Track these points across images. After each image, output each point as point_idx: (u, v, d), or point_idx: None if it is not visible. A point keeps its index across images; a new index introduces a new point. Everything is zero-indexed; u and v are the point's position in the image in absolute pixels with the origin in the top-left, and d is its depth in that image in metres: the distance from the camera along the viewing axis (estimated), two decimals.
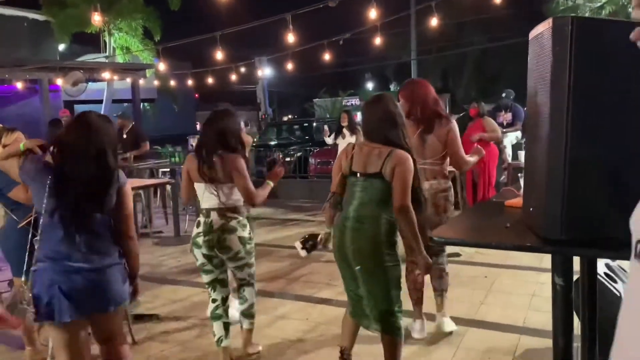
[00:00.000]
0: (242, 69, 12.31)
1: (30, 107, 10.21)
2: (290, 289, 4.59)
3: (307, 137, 13.25)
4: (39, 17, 14.46)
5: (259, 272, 4.67)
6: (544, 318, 3.44)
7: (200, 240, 2.95)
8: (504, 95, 8.31)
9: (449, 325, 3.47)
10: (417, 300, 3.47)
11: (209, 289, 3.14)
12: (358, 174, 2.58)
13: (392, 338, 2.60)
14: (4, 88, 10.15)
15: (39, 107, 9.83)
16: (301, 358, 3.27)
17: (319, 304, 4.14)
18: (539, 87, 1.54)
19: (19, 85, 9.68)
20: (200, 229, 2.96)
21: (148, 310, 4.23)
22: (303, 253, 2.83)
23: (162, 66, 10.37)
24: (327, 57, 8.61)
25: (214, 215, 2.95)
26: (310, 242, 2.83)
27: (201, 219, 2.99)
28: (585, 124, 1.39)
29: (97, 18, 6.82)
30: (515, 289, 4.25)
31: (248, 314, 3.20)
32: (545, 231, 1.50)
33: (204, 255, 2.98)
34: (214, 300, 3.12)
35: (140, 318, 4.02)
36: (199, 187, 2.99)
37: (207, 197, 2.96)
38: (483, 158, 6.39)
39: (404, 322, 2.68)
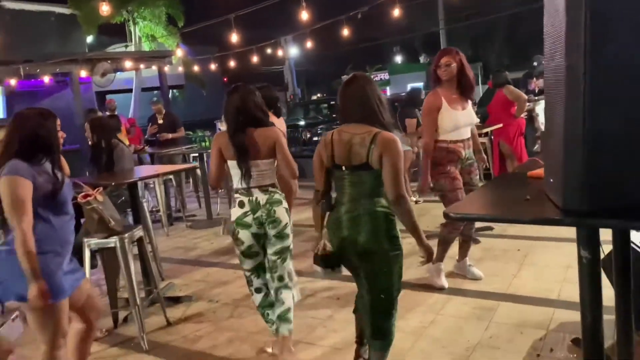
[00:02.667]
0: (268, 50, 12.25)
1: (63, 100, 10.46)
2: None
3: (334, 116, 13.19)
4: (66, 10, 14.71)
5: None
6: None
7: (249, 219, 2.84)
8: (535, 63, 8.01)
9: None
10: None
11: (252, 276, 3.00)
12: (343, 168, 2.37)
13: (382, 345, 2.48)
14: (36, 82, 10.42)
15: (71, 100, 10.07)
16: (330, 336, 3.29)
17: (349, 282, 4.13)
18: (555, 51, 1.45)
19: (48, 79, 9.92)
20: (247, 208, 2.85)
21: (183, 292, 4.34)
22: (321, 272, 2.50)
23: (179, 52, 10.43)
24: (352, 32, 8.46)
25: (257, 192, 2.87)
26: (325, 258, 2.48)
27: (243, 198, 2.87)
28: (603, 85, 1.31)
29: (105, 8, 6.86)
30: (549, 261, 4.15)
31: (285, 318, 2.94)
32: (564, 202, 1.43)
33: (253, 235, 2.88)
34: (258, 290, 3.01)
35: (174, 300, 4.13)
36: (234, 166, 2.88)
37: (243, 176, 2.85)
38: (509, 128, 6.22)
39: None
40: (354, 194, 2.38)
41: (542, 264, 4.14)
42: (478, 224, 4.32)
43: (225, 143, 2.88)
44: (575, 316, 3.07)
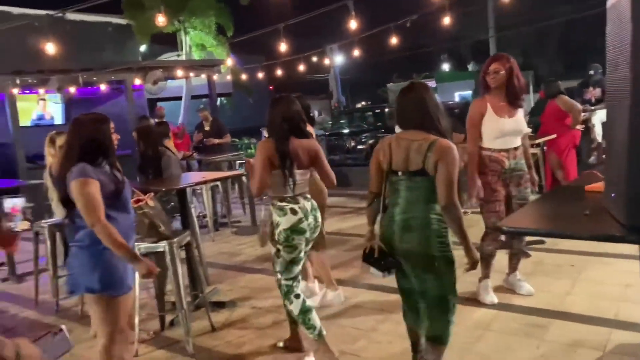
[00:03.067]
0: (314, 58, 12.36)
1: (117, 106, 10.90)
2: (364, 278, 4.56)
3: (379, 124, 13.12)
4: (122, 21, 15.35)
5: (334, 262, 4.71)
6: (639, 311, 3.17)
7: (304, 225, 2.96)
8: (591, 71, 7.70)
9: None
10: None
11: (294, 283, 3.05)
12: (399, 173, 2.43)
13: (440, 347, 2.50)
14: (93, 90, 10.90)
15: (125, 106, 10.47)
16: (373, 347, 3.24)
17: (393, 294, 4.07)
18: (619, 60, 1.38)
19: (104, 86, 10.36)
20: (300, 214, 2.95)
21: (226, 297, 4.39)
22: (379, 274, 2.48)
23: (229, 61, 10.64)
24: (399, 40, 8.41)
25: (302, 200, 3.00)
26: (377, 258, 2.50)
27: (293, 205, 2.96)
28: None
29: (161, 19, 7.11)
30: (606, 278, 3.94)
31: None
32: (627, 217, 1.36)
33: (306, 241, 3.02)
34: (298, 296, 3.05)
35: (218, 305, 4.19)
36: (280, 175, 2.94)
37: (289, 185, 2.96)
38: (561, 139, 6.00)
39: None
40: (410, 199, 2.43)
41: (598, 280, 3.94)
42: (529, 237, 4.16)
43: (272, 151, 2.94)
44: (634, 338, 2.93)
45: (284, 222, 2.95)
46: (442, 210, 2.36)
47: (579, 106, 6.08)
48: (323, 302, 3.95)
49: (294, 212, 2.95)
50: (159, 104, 11.78)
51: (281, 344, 3.37)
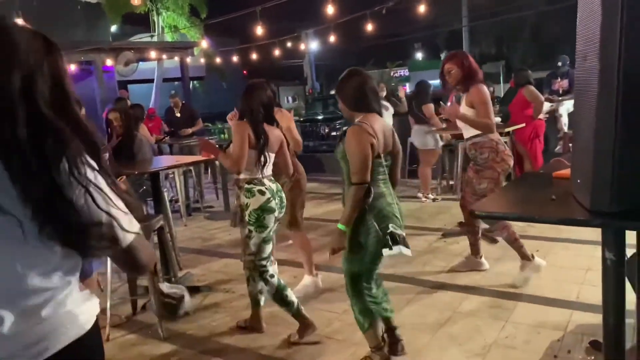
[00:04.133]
0: (288, 44, 12.26)
1: (86, 88, 10.61)
2: (337, 262, 4.61)
3: None
4: None
5: None
6: (598, 293, 3.28)
7: (273, 204, 3.10)
8: (559, 63, 7.89)
9: None
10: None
11: (268, 263, 3.18)
12: (382, 156, 2.59)
13: None
14: None
15: (95, 88, 10.22)
16: (347, 330, 3.31)
17: None
18: (588, 51, 1.44)
19: (73, 67, 10.07)
20: (268, 194, 3.09)
21: (200, 282, 4.39)
22: (409, 251, 2.52)
23: (204, 44, 10.49)
24: (374, 27, 8.41)
25: (267, 182, 3.15)
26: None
27: (260, 187, 3.09)
28: (636, 87, 1.30)
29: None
30: (569, 263, 4.11)
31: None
32: (592, 203, 1.43)
33: (275, 219, 3.16)
34: (272, 276, 3.18)
35: (192, 289, 4.18)
36: (252, 156, 3.06)
37: (261, 165, 3.12)
38: (525, 129, 6.20)
39: None
40: (388, 180, 2.62)
41: (561, 265, 4.10)
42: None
43: (249, 132, 3.05)
44: (593, 319, 3.06)
45: (253, 203, 3.07)
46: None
47: (542, 97, 6.24)
48: (299, 288, 3.92)
49: (261, 192, 3.09)
50: (130, 86, 11.54)
51: (240, 324, 3.45)
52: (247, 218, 3.07)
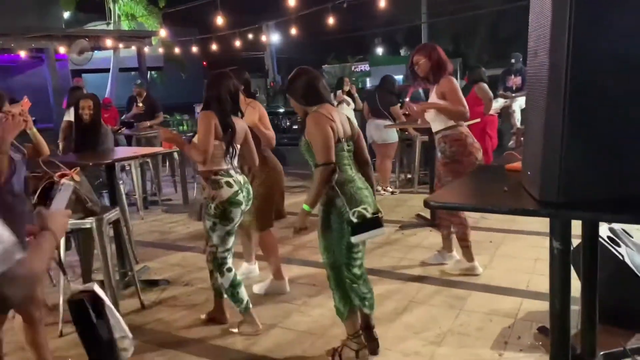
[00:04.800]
0: (250, 36, 12.13)
1: (38, 76, 10.20)
2: (297, 255, 4.65)
3: None
4: None
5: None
6: (547, 282, 3.44)
7: (240, 197, 3.04)
8: (512, 60, 8.14)
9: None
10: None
11: (228, 256, 3.11)
12: (344, 140, 2.66)
13: None
14: (10, 57, 10.12)
15: (47, 77, 9.82)
16: (306, 320, 3.34)
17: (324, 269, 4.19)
18: (539, 48, 1.50)
19: (24, 54, 9.65)
20: (235, 187, 3.03)
21: (157, 276, 4.32)
22: (383, 230, 2.58)
23: (163, 32, 10.27)
24: (335, 21, 8.45)
25: (234, 174, 3.09)
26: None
27: (227, 179, 3.03)
28: (584, 82, 1.36)
29: None
30: (520, 253, 4.27)
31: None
32: (541, 193, 1.49)
33: (241, 212, 3.10)
34: (230, 269, 3.12)
35: (149, 283, 4.12)
36: (219, 147, 3.00)
37: (229, 156, 3.07)
38: (476, 125, 6.39)
39: None
40: (353, 164, 2.70)
41: (513, 255, 4.26)
42: None
43: (216, 122, 2.98)
44: (542, 306, 3.20)
45: (220, 195, 3.00)
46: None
47: (491, 95, 6.42)
48: (268, 290, 3.80)
49: (229, 184, 3.02)
50: (84, 75, 11.14)
51: (204, 316, 3.43)
52: (212, 210, 3.01)
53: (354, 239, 2.53)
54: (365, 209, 2.52)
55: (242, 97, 3.56)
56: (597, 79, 1.37)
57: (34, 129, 2.96)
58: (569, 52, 1.36)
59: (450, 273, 3.94)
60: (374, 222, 2.52)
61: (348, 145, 2.69)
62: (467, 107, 3.71)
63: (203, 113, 3.03)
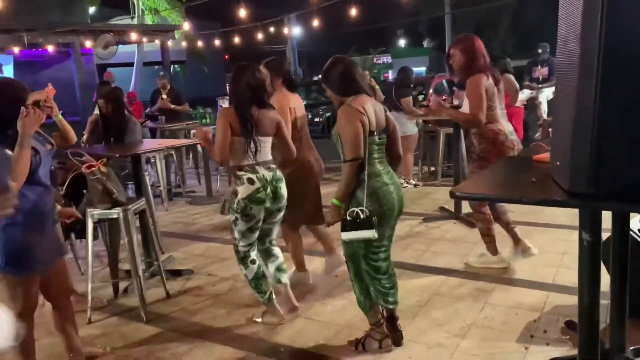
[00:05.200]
0: (271, 29, 12.16)
1: (64, 71, 10.40)
2: (319, 246, 4.64)
3: None
4: None
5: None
6: (574, 275, 3.37)
7: (262, 195, 2.97)
8: (539, 50, 7.97)
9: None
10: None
11: (250, 250, 3.11)
12: (375, 133, 2.63)
13: None
14: (38, 52, 10.33)
15: (73, 71, 10.01)
16: (327, 310, 3.35)
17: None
18: (569, 35, 1.47)
19: (52, 49, 9.84)
20: (257, 184, 2.95)
21: (182, 266, 4.38)
22: (374, 233, 2.57)
23: (186, 26, 10.33)
24: (357, 13, 8.39)
25: (261, 170, 2.99)
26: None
27: (251, 175, 2.96)
28: (615, 70, 1.33)
29: None
30: (547, 246, 4.20)
31: (284, 268, 3.30)
32: (570, 184, 1.46)
33: (265, 210, 3.03)
34: (253, 262, 3.13)
35: (174, 273, 4.18)
36: (240, 142, 2.95)
37: (251, 151, 2.96)
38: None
39: None
40: (384, 158, 2.69)
41: (539, 249, 4.17)
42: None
43: (233, 117, 2.93)
44: (569, 300, 3.15)
45: (241, 192, 2.96)
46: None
47: (517, 86, 6.30)
48: (291, 281, 3.57)
49: (251, 181, 2.96)
50: (109, 69, 11.32)
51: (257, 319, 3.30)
52: (235, 205, 3.00)
53: (343, 236, 2.57)
54: (362, 210, 2.52)
55: (281, 88, 3.54)
56: (631, 65, 1.33)
57: (60, 116, 2.94)
58: (601, 38, 1.32)
59: (475, 266, 3.90)
60: (365, 224, 2.52)
61: (380, 139, 2.64)
62: (483, 114, 3.50)
63: (219, 111, 3.04)
